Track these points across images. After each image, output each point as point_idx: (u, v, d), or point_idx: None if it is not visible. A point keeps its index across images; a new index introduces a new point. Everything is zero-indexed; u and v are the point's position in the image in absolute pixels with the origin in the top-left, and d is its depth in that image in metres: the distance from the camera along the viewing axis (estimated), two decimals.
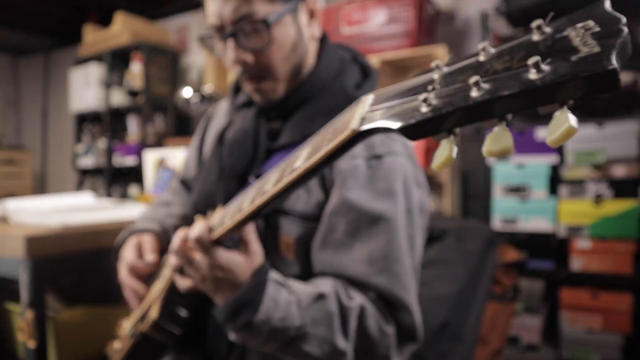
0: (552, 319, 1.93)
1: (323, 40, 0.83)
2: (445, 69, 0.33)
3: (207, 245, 0.57)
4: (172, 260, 0.64)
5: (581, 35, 0.27)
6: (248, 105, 0.85)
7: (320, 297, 0.63)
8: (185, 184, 1.01)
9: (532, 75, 0.27)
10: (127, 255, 0.79)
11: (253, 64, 0.74)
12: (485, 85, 0.29)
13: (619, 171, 1.75)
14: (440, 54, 2.15)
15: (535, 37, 0.29)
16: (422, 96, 0.32)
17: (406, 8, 2.20)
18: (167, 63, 3.56)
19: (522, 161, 1.91)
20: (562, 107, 0.27)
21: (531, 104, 0.28)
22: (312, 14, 0.79)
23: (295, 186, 0.46)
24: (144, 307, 0.79)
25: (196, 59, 3.70)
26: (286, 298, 0.60)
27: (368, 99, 0.39)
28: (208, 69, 3.20)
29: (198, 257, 0.59)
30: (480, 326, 1.06)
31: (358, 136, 0.38)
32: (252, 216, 0.53)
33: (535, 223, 1.87)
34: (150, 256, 0.78)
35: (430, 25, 2.34)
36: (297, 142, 0.75)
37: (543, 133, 1.87)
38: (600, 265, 1.76)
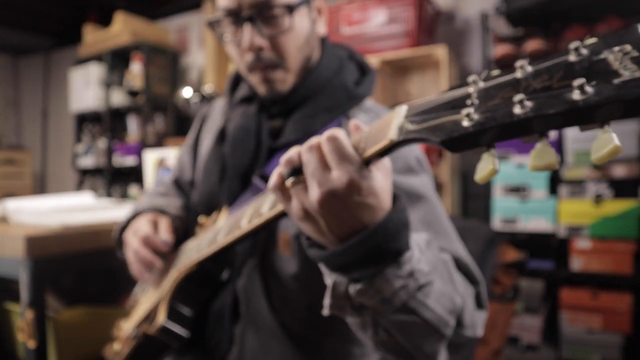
0: (552, 319, 1.93)
1: (323, 39, 0.84)
2: (482, 84, 0.34)
3: (350, 156, 0.42)
4: (283, 167, 0.46)
5: (620, 59, 0.28)
6: (248, 101, 0.84)
7: (430, 242, 0.54)
8: (179, 184, 1.00)
9: (576, 95, 0.28)
10: (142, 227, 0.77)
11: (268, 51, 0.73)
12: (528, 103, 0.30)
13: (619, 171, 1.75)
14: (440, 54, 2.15)
15: (572, 57, 0.30)
16: (463, 111, 0.33)
17: (406, 8, 2.20)
18: (167, 63, 3.56)
19: (522, 161, 1.91)
20: (602, 127, 0.28)
21: (572, 123, 0.29)
22: (319, 12, 0.81)
23: None
24: (146, 308, 0.79)
25: (196, 59, 3.70)
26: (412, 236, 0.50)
27: (402, 110, 0.40)
28: (208, 69, 3.20)
29: (336, 172, 0.43)
30: None
31: (395, 146, 0.39)
32: (273, 220, 0.53)
33: (535, 223, 1.87)
34: (166, 235, 0.76)
35: (430, 25, 2.34)
36: (299, 140, 0.75)
37: None
38: (600, 265, 1.76)
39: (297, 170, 0.44)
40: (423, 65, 2.42)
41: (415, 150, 0.74)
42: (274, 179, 0.47)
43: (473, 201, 2.37)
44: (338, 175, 0.42)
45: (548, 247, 1.86)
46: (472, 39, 2.47)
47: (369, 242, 0.43)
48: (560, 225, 1.83)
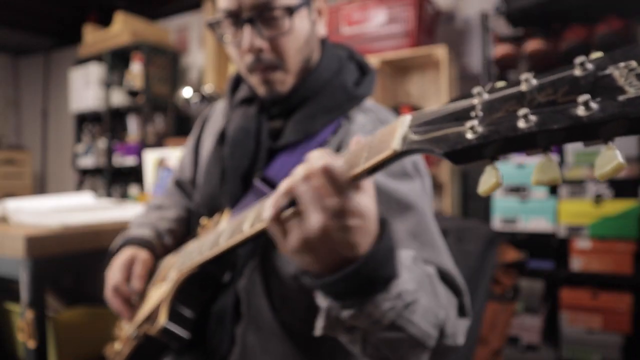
0: (552, 319, 1.93)
1: (324, 40, 0.84)
2: (487, 96, 0.34)
3: (344, 183, 0.44)
4: (270, 205, 0.48)
5: (625, 75, 0.28)
6: (248, 102, 0.84)
7: (415, 259, 0.56)
8: (180, 185, 1.00)
9: (581, 111, 0.28)
10: (114, 274, 0.79)
11: (268, 52, 0.74)
12: (533, 117, 0.30)
13: None
14: (440, 54, 2.15)
15: (577, 72, 0.29)
16: (468, 123, 0.33)
17: (406, 8, 2.20)
18: (167, 63, 3.56)
19: (522, 161, 1.91)
20: (607, 144, 0.29)
21: (576, 139, 0.29)
22: (320, 13, 0.81)
23: None
24: (147, 309, 0.79)
25: (196, 59, 3.70)
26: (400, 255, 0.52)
27: (406, 119, 0.40)
28: (208, 69, 3.20)
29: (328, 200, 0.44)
30: (480, 326, 1.07)
31: (398, 156, 0.39)
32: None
33: (535, 223, 1.87)
34: (136, 283, 0.78)
35: (430, 25, 2.34)
36: (299, 141, 0.75)
37: None
38: (600, 265, 1.76)
39: (291, 202, 0.46)
40: (423, 65, 2.42)
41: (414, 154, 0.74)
42: (270, 213, 0.48)
43: (473, 201, 2.37)
44: (337, 201, 0.43)
45: (548, 247, 1.86)
46: (472, 39, 2.47)
47: (359, 273, 0.45)
48: (560, 225, 1.83)
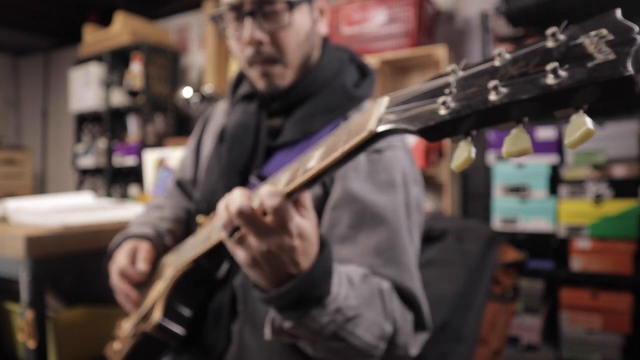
0: (552, 319, 1.93)
1: (325, 40, 0.84)
2: (461, 73, 0.34)
3: (284, 214, 0.48)
4: (220, 224, 0.52)
5: (595, 43, 0.28)
6: (249, 99, 0.85)
7: (366, 276, 0.62)
8: (181, 185, 1.01)
9: (550, 80, 0.28)
10: (120, 259, 0.79)
11: (268, 45, 0.75)
12: (503, 89, 0.29)
13: (619, 171, 1.75)
14: (440, 54, 2.15)
15: (550, 43, 0.30)
16: (440, 99, 0.33)
17: (406, 8, 2.20)
18: (167, 63, 3.56)
19: (522, 161, 1.91)
20: (577, 111, 0.28)
21: (547, 108, 0.29)
22: (321, 12, 0.82)
23: (307, 186, 0.47)
24: (144, 307, 0.79)
25: (196, 59, 3.70)
26: (344, 272, 0.58)
27: (383, 101, 0.40)
28: (208, 69, 3.20)
29: (265, 227, 0.49)
30: (480, 326, 1.06)
31: (375, 137, 0.39)
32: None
33: (535, 223, 1.87)
34: (142, 265, 0.78)
35: (430, 25, 2.34)
36: (298, 140, 0.76)
37: (543, 133, 1.88)
38: (600, 265, 1.76)
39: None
40: (423, 65, 2.42)
41: (404, 163, 0.74)
42: (223, 235, 0.53)
43: (473, 201, 2.37)
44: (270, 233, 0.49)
45: (548, 247, 1.86)
46: (472, 39, 2.47)
47: (295, 292, 0.51)
48: (560, 225, 1.83)
